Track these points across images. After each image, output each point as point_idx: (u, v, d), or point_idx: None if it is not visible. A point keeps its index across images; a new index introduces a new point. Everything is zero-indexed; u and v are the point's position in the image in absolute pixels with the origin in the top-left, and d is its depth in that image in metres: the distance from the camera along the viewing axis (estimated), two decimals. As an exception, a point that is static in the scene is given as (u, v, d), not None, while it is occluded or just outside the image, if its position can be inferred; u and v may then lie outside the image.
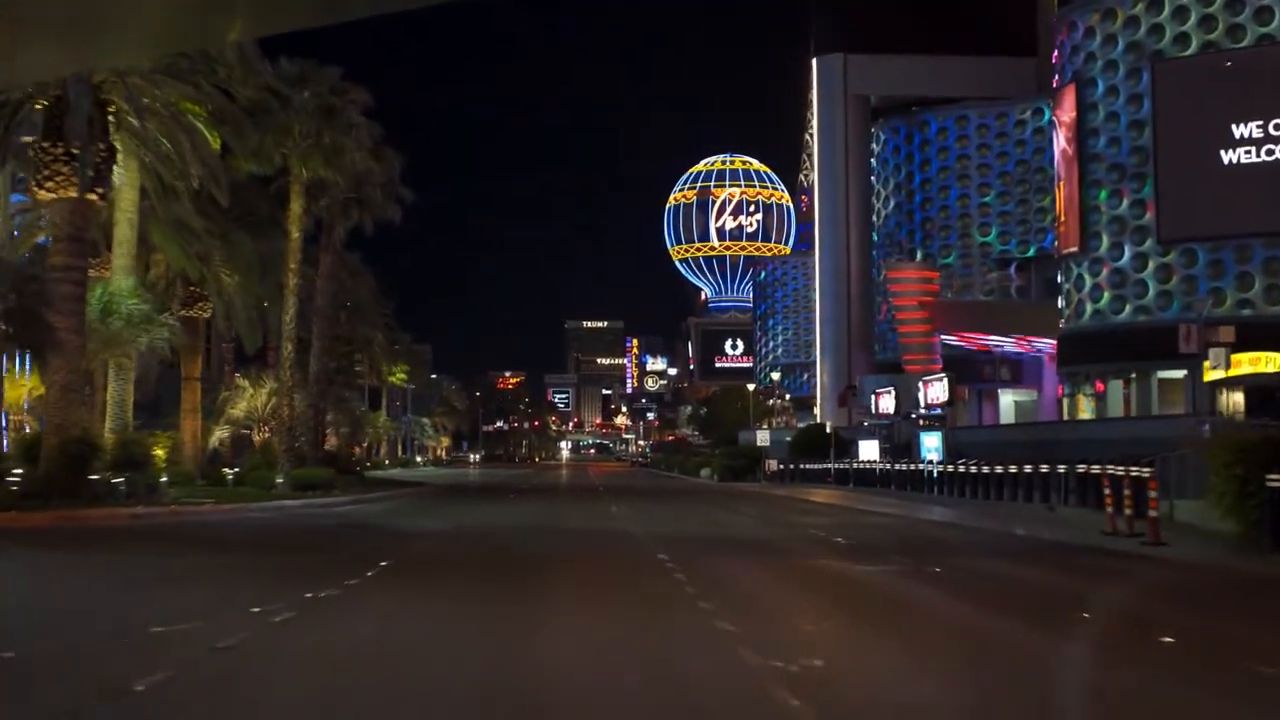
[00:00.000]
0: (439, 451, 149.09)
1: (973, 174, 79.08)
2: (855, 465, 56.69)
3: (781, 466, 66.76)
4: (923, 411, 53.65)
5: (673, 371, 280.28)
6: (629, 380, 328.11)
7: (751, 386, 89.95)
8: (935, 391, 52.45)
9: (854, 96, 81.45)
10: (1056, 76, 63.79)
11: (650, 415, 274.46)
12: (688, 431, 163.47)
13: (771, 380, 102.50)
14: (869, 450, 59.75)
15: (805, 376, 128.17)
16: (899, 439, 60.20)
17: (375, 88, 37.02)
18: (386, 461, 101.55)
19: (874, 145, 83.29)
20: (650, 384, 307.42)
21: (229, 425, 41.11)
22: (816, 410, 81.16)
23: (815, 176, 79.29)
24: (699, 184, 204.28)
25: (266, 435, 42.28)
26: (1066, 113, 61.80)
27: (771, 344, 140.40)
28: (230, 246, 35.27)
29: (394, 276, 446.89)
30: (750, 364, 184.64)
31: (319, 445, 41.44)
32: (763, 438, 69.45)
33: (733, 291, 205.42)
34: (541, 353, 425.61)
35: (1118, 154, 58.44)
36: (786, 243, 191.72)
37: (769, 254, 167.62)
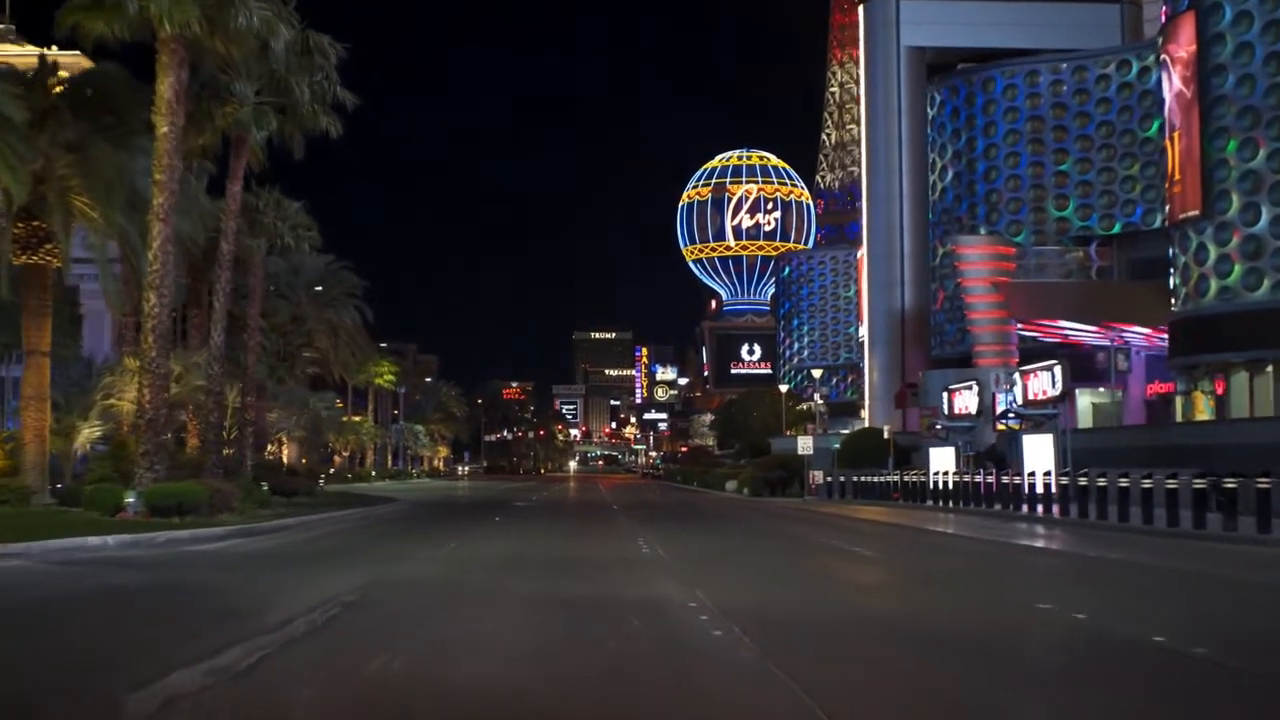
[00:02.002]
0: (436, 462, 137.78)
1: (1046, 139, 67.77)
2: (917, 476, 45.90)
3: (829, 479, 55.84)
4: (1023, 410, 42.36)
5: (683, 381, 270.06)
6: (638, 390, 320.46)
7: (784, 388, 78.54)
8: (1041, 384, 41.20)
9: (908, 50, 70.21)
10: (1165, 5, 52.63)
11: (661, 426, 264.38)
12: (705, 441, 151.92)
13: (810, 379, 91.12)
14: (942, 459, 48.58)
15: (833, 380, 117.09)
16: (982, 444, 49.06)
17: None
18: (373, 473, 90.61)
19: (929, 110, 71.98)
20: (660, 394, 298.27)
21: (107, 422, 29.80)
22: (864, 413, 69.80)
23: (862, 144, 68.09)
24: (713, 180, 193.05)
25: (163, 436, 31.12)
26: (1182, 48, 50.60)
27: (796, 346, 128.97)
28: (85, 162, 24.21)
29: (400, 289, 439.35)
30: (768, 370, 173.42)
31: (222, 447, 30.35)
32: (804, 445, 58.15)
33: (750, 294, 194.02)
34: (549, 365, 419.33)
35: (1250, 95, 47.24)
36: (806, 243, 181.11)
37: (790, 252, 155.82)
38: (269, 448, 46.46)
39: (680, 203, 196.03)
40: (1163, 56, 53.06)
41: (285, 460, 52.96)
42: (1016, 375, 43.70)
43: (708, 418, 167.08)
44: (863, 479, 52.83)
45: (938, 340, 69.78)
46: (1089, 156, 66.77)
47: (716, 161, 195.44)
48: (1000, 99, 68.90)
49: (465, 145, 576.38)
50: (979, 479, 39.98)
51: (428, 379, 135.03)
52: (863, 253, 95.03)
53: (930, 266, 69.35)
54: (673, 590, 13.34)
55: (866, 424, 67.65)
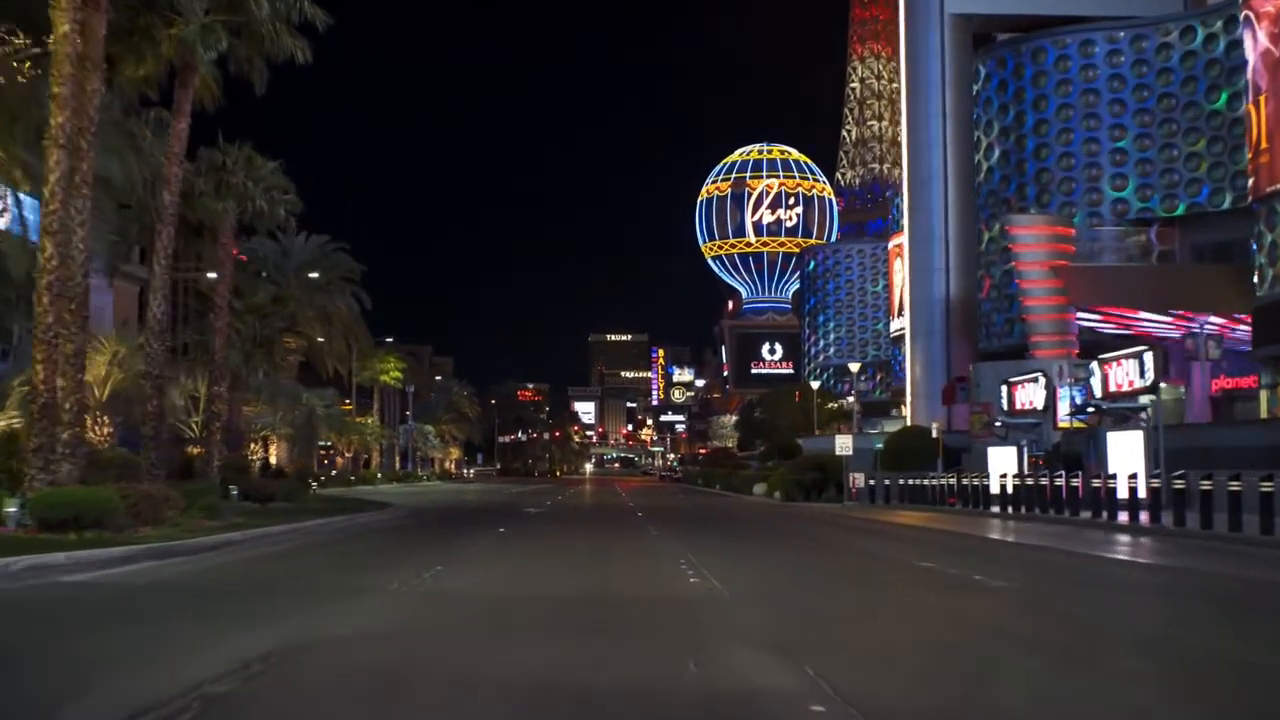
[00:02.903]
0: (447, 464, 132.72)
1: (1102, 113, 62.53)
2: (976, 479, 40.78)
3: (870, 482, 50.78)
4: (1102, 404, 37.09)
5: (700, 383, 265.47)
6: (654, 392, 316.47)
7: (816, 384, 73.15)
8: (1126, 374, 35.97)
9: (952, 18, 64.90)
10: (1249, -45, 47.52)
11: (679, 427, 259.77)
12: (725, 443, 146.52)
13: (846, 374, 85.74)
14: (1002, 459, 43.36)
15: (862, 378, 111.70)
16: (1047, 442, 43.83)
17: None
18: (379, 475, 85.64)
19: (974, 84, 66.66)
20: (677, 395, 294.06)
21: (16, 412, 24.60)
22: (905, 410, 64.46)
23: (903, 120, 62.80)
24: (733, 175, 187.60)
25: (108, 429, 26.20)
26: (1270, 1, 45.47)
27: (822, 343, 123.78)
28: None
29: (414, 292, 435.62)
30: (789, 370, 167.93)
31: (171, 443, 25.36)
32: (843, 445, 52.77)
33: (771, 292, 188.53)
34: (565, 368, 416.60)
35: (1349, 51, 42.10)
36: (828, 239, 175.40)
37: (815, 245, 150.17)
38: (252, 447, 41.47)
39: (699, 198, 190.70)
40: (1245, 13, 47.76)
41: (274, 461, 48.03)
42: (1094, 365, 38.41)
43: (729, 418, 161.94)
44: (911, 482, 47.74)
45: (984, 332, 64.49)
46: (1149, 132, 61.49)
47: (736, 155, 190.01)
48: (1052, 71, 63.63)
49: (476, 148, 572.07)
50: (1051, 482, 34.83)
51: (438, 378, 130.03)
52: (897, 242, 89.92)
53: (976, 253, 64.01)
54: (763, 667, 8.20)
55: (908, 422, 62.35)
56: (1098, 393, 38.06)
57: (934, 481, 46.22)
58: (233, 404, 35.13)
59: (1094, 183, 62.30)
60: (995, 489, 40.47)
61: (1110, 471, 32.68)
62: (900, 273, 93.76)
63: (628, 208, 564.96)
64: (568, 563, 17.44)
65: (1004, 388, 46.50)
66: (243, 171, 30.13)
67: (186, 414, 35.64)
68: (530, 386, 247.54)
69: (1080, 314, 53.42)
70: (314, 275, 48.76)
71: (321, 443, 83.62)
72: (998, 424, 45.46)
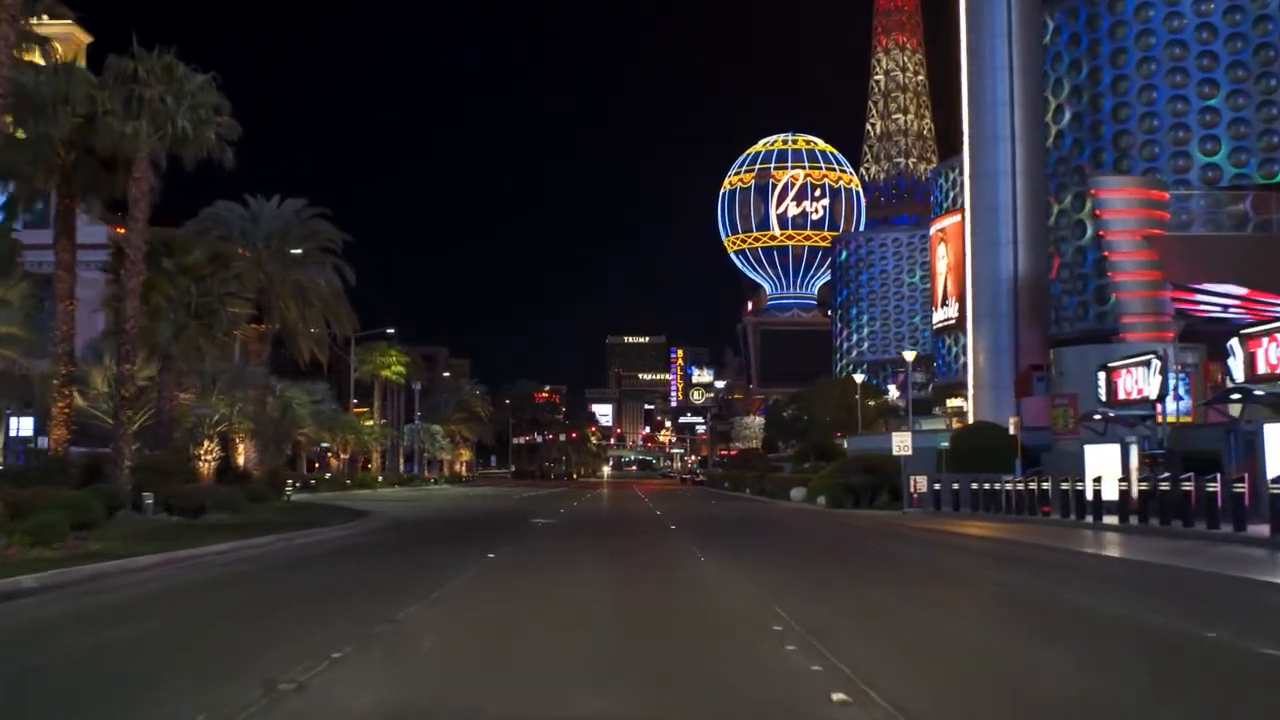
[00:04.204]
0: (457, 466, 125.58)
1: (1190, 68, 55.08)
2: (1074, 483, 33.72)
3: (936, 486, 43.67)
4: (1257, 388, 29.67)
5: (720, 384, 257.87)
6: (674, 394, 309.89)
7: (860, 378, 65.49)
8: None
9: (1018, -39, 57.41)
10: None
11: (700, 429, 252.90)
12: (749, 444, 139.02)
13: (883, 369, 78.41)
14: (1103, 460, 35.92)
15: (898, 376, 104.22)
16: (1157, 438, 36.39)
17: None
18: (379, 478, 78.65)
19: (1044, 39, 59.15)
20: (696, 397, 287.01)
21: None
22: (967, 404, 56.94)
23: (963, 74, 55.30)
24: (757, 165, 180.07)
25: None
26: None
27: (855, 338, 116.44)
28: None
29: (431, 296, 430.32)
30: (819, 368, 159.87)
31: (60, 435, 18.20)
32: (901, 443, 45.44)
33: (796, 287, 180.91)
34: (582, 371, 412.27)
35: None
36: (857, 232, 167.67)
37: (847, 234, 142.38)
38: (205, 445, 34.33)
39: (721, 189, 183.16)
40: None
41: (242, 463, 40.97)
42: (1235, 343, 30.95)
43: (754, 419, 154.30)
44: (988, 486, 40.48)
45: (1053, 318, 57.09)
46: (1244, 89, 54.09)
47: (760, 146, 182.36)
48: (1131, 21, 56.20)
49: (494, 151, 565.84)
50: (1182, 487, 27.61)
51: (445, 374, 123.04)
52: (940, 226, 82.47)
53: (1046, 226, 56.49)
54: None
55: (969, 417, 54.89)
56: (1239, 375, 30.65)
57: (1013, 486, 39.03)
58: (164, 390, 28.04)
59: (1181, 146, 54.91)
60: (1091, 494, 33.48)
61: (1275, 474, 25.36)
62: (944, 259, 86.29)
63: (645, 209, 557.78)
64: (581, 631, 10.22)
65: (1102, 375, 39.00)
66: (161, 84, 23.05)
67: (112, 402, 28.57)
68: (547, 388, 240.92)
69: (1201, 291, 45.18)
70: (298, 252, 41.72)
71: (324, 444, 76.74)
72: (1097, 416, 38.00)
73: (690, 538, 24.83)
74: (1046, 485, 35.98)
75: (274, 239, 41.71)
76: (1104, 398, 38.93)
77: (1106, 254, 47.80)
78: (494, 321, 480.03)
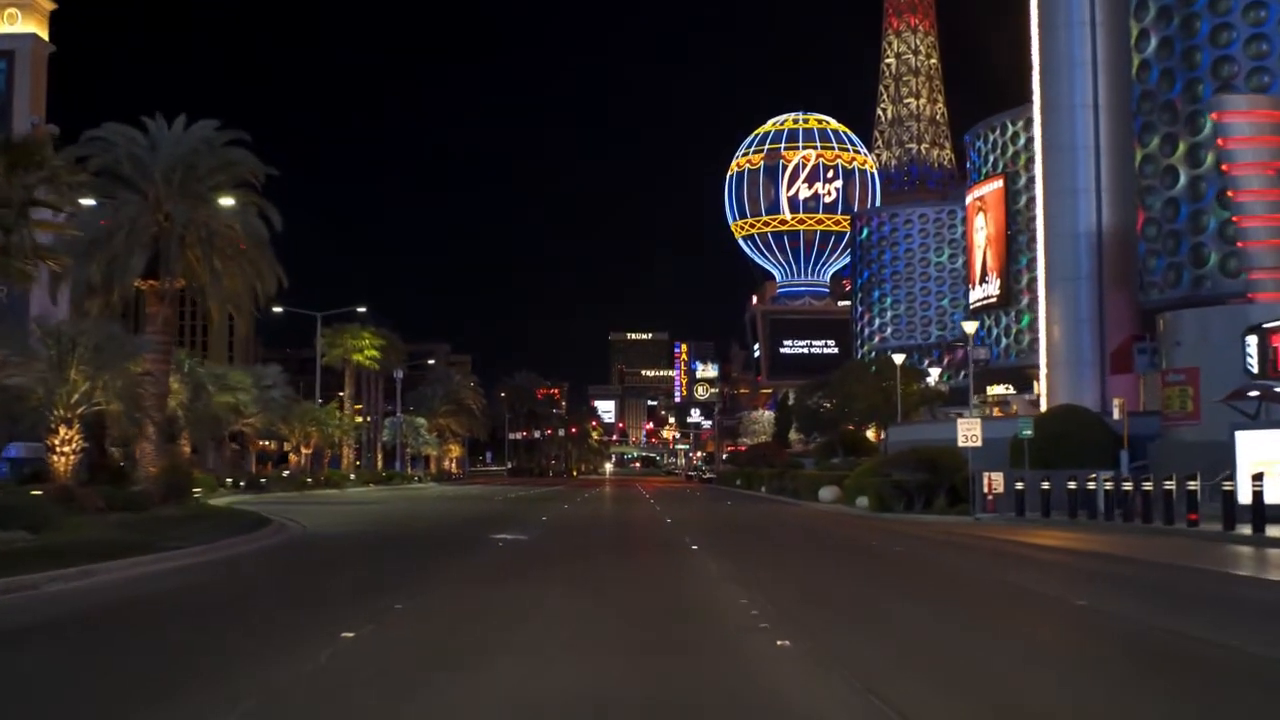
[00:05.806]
0: (447, 463, 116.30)
1: (1308, -21, 45.60)
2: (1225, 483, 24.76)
3: (1019, 485, 34.55)
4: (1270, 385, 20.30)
5: (726, 378, 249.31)
6: (677, 390, 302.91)
7: (899, 358, 55.93)
8: None
9: None
10: None
11: (705, 424, 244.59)
12: (759, 439, 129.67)
13: (929, 351, 69.19)
14: (1262, 449, 26.82)
15: (925, 363, 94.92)
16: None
17: None
18: (351, 476, 69.47)
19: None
20: (700, 392, 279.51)
21: None
22: (1039, 385, 47.49)
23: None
24: (766, 146, 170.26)
25: None
26: None
27: (877, 322, 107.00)
28: None
29: (434, 294, 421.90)
30: (834, 352, 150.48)
31: None
32: (969, 432, 36.13)
33: (808, 274, 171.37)
34: (585, 367, 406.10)
35: None
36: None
37: (868, 209, 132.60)
38: (62, 431, 25.19)
39: (729, 172, 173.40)
40: None
41: (138, 456, 31.84)
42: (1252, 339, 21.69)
43: (764, 413, 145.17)
44: (1090, 485, 31.32)
45: (1138, 283, 47.70)
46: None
47: (770, 125, 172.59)
48: (1233, -74, 46.82)
49: (492, 151, 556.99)
50: None
51: (430, 360, 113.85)
52: (977, 195, 73.31)
53: (1133, 172, 47.06)
54: None
55: (1042, 402, 45.54)
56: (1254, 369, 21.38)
57: (1125, 485, 29.92)
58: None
59: (1297, 75, 45.48)
60: (1249, 496, 24.73)
61: None
62: (983, 230, 77.38)
63: (649, 203, 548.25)
64: None
65: (1252, 339, 29.61)
66: None
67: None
68: (548, 383, 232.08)
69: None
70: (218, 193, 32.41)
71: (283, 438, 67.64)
72: (1253, 394, 28.67)
73: (724, 566, 15.56)
74: (1193, 485, 26.65)
75: (177, 171, 32.42)
76: (1255, 369, 29.59)
77: (1230, 193, 38.40)
78: (496, 323, 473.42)
